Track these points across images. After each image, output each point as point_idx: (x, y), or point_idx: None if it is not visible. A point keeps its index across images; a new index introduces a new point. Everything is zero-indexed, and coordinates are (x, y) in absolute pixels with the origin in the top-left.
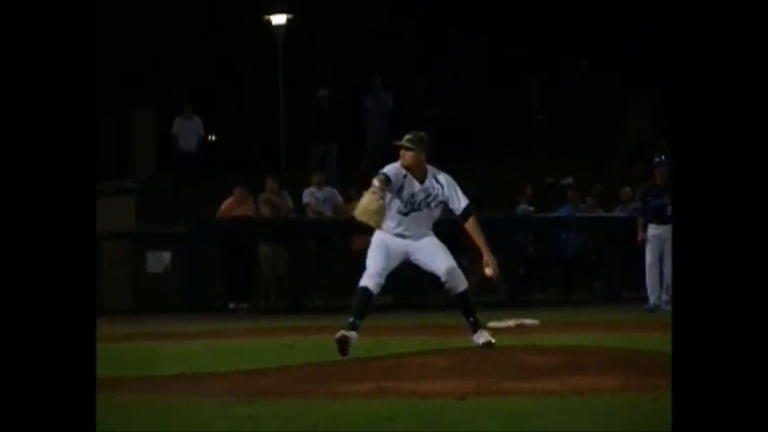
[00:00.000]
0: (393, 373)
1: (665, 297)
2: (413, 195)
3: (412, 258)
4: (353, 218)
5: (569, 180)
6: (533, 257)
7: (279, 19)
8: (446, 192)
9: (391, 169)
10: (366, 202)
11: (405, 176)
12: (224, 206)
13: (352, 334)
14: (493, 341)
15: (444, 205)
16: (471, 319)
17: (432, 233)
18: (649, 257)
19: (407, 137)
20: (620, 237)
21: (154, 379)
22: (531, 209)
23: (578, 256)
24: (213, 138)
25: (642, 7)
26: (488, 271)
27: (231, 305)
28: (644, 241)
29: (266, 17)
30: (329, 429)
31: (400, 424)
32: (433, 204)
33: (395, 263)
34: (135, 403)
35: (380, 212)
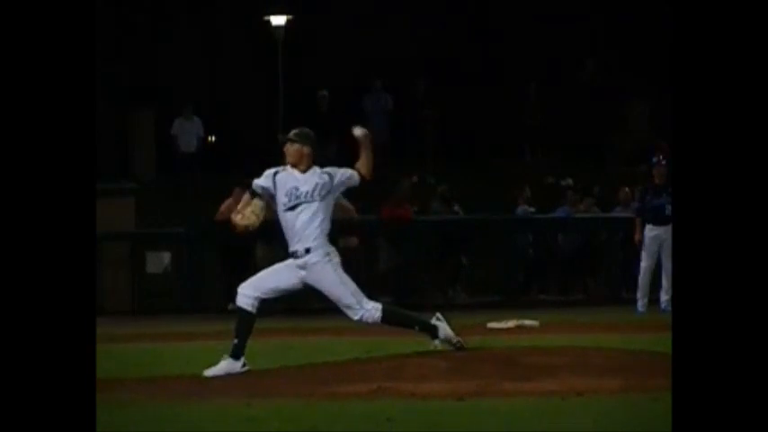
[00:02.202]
0: (393, 374)
1: (665, 297)
2: (297, 188)
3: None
4: (352, 218)
5: (569, 181)
6: (533, 258)
7: (278, 20)
8: (337, 173)
9: (258, 178)
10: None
11: (276, 173)
12: (223, 207)
13: (221, 365)
14: (452, 339)
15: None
16: (417, 329)
17: (323, 247)
18: (645, 262)
19: (293, 131)
20: (620, 237)
21: (153, 379)
22: (532, 210)
23: (578, 257)
24: (213, 138)
25: (642, 8)
26: (357, 131)
27: (230, 306)
28: (641, 242)
29: (266, 18)
30: (328, 430)
31: (400, 425)
32: (323, 193)
33: (287, 288)
34: (134, 404)
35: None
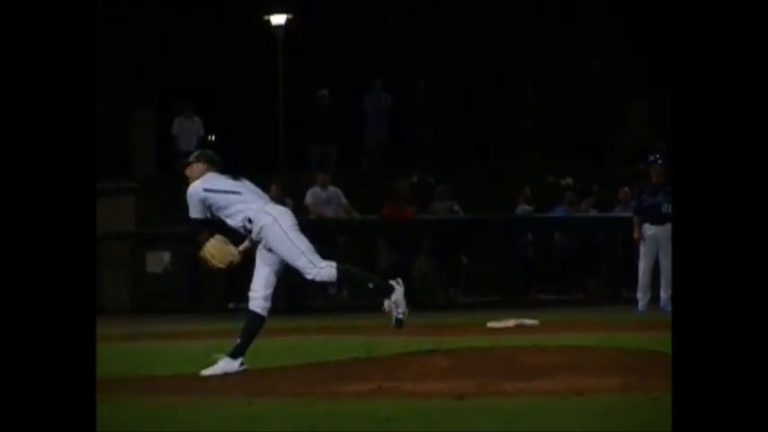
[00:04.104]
0: (393, 373)
1: (664, 296)
2: None
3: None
4: (355, 218)
5: (569, 180)
6: (533, 258)
7: (278, 19)
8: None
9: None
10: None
11: None
12: None
13: (219, 365)
14: (399, 308)
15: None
16: (371, 286)
17: (263, 210)
18: (643, 263)
19: (195, 153)
20: (620, 236)
21: (153, 379)
22: (531, 209)
23: (577, 257)
24: (213, 138)
25: (644, 7)
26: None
27: (231, 305)
28: (640, 240)
29: (266, 17)
30: (328, 430)
31: (400, 424)
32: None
33: (277, 267)
34: (134, 403)
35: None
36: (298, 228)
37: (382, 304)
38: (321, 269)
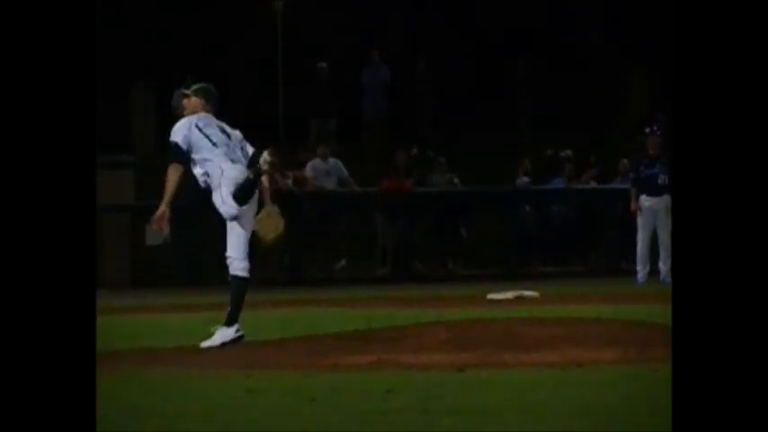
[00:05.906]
0: (392, 346)
1: (663, 268)
2: None
3: None
4: (354, 191)
5: (568, 152)
6: (532, 230)
7: None
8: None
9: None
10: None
11: None
12: None
13: (216, 335)
14: (267, 158)
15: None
16: (251, 177)
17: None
18: (641, 234)
19: (196, 86)
20: (619, 209)
21: (153, 351)
22: (529, 180)
23: (577, 229)
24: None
25: None
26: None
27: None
28: (637, 211)
29: None
30: (328, 401)
31: (399, 396)
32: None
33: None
34: (134, 376)
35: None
36: (238, 181)
37: (379, 263)
38: (225, 206)
